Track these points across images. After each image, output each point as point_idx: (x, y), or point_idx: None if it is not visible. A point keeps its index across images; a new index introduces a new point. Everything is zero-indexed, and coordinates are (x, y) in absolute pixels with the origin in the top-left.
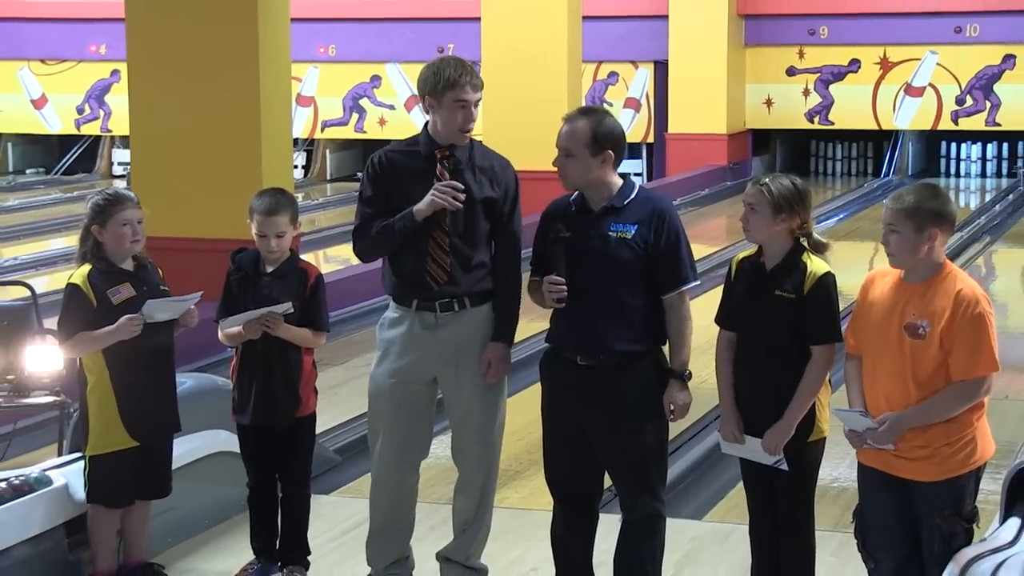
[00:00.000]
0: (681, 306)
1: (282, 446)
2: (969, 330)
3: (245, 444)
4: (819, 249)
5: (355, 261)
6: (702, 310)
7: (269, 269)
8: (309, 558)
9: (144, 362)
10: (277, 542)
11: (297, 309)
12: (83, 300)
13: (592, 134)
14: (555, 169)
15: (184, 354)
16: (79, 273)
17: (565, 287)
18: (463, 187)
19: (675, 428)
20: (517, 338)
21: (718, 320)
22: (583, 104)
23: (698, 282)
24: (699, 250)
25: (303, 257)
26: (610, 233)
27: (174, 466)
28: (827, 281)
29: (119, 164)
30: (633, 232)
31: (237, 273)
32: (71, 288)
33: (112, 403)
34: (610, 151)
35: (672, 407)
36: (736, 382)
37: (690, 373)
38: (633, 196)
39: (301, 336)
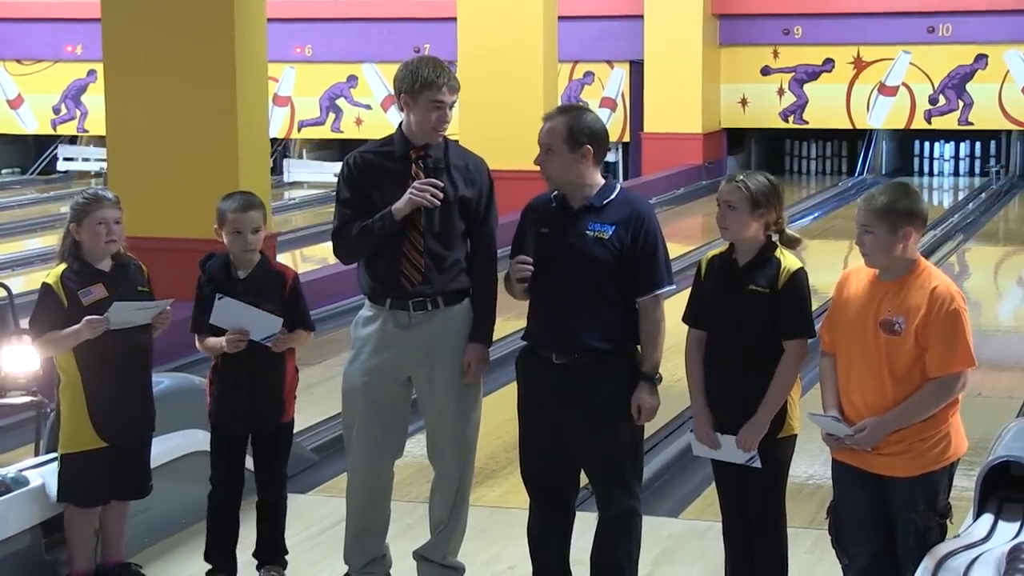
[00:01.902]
0: (655, 309)
1: (262, 452)
2: (945, 326)
3: (223, 453)
4: (792, 244)
5: (332, 261)
6: (675, 310)
7: (242, 275)
8: (287, 557)
9: (118, 363)
10: (235, 552)
11: (280, 312)
12: (54, 300)
13: (569, 130)
14: (532, 168)
15: (163, 354)
16: (53, 272)
17: (531, 267)
18: (442, 184)
19: (651, 426)
20: (493, 337)
21: (686, 319)
22: (559, 104)
23: (674, 286)
24: (674, 249)
25: (280, 257)
26: (587, 232)
27: (151, 465)
28: (800, 276)
29: (64, 160)
30: (610, 232)
31: (209, 284)
32: (44, 287)
33: (83, 403)
34: (588, 146)
35: (639, 409)
36: (706, 380)
37: (660, 376)
38: (613, 196)
39: (300, 340)
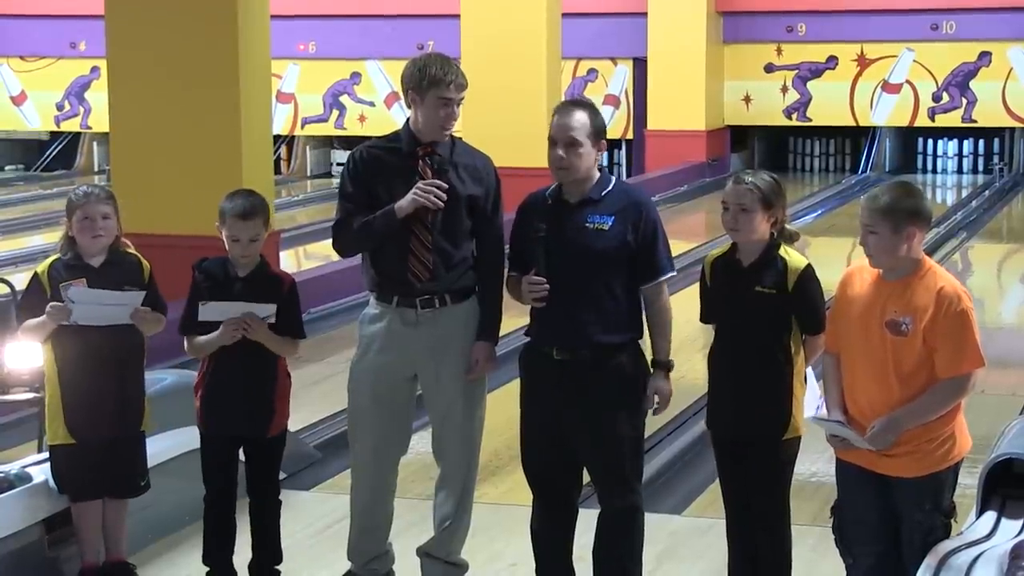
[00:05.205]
0: (659, 297)
1: (254, 460)
2: (953, 327)
3: (213, 458)
4: (791, 239)
5: (335, 257)
6: (679, 307)
7: (241, 274)
8: (279, 567)
9: (92, 361)
10: (232, 556)
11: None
12: (38, 289)
13: (592, 124)
14: (534, 165)
15: (166, 351)
16: (44, 263)
17: (546, 286)
18: (447, 186)
19: (655, 423)
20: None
21: (703, 319)
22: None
23: (675, 272)
24: (678, 246)
25: (283, 254)
26: (587, 225)
27: (152, 463)
28: (809, 274)
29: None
30: (610, 224)
31: (207, 282)
32: (32, 277)
33: (57, 398)
34: (603, 140)
35: (657, 397)
36: (712, 377)
37: (672, 363)
38: (610, 188)
39: (280, 344)
